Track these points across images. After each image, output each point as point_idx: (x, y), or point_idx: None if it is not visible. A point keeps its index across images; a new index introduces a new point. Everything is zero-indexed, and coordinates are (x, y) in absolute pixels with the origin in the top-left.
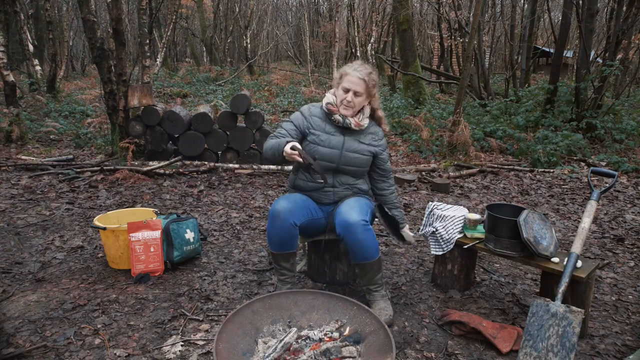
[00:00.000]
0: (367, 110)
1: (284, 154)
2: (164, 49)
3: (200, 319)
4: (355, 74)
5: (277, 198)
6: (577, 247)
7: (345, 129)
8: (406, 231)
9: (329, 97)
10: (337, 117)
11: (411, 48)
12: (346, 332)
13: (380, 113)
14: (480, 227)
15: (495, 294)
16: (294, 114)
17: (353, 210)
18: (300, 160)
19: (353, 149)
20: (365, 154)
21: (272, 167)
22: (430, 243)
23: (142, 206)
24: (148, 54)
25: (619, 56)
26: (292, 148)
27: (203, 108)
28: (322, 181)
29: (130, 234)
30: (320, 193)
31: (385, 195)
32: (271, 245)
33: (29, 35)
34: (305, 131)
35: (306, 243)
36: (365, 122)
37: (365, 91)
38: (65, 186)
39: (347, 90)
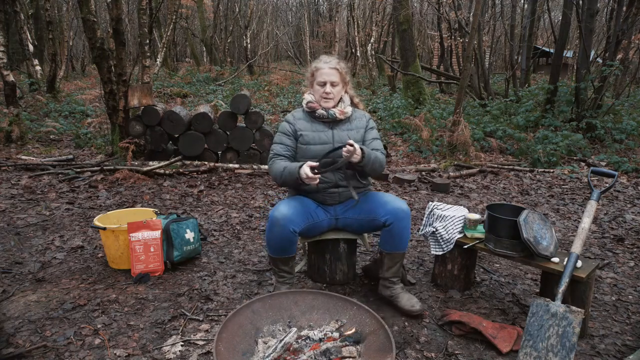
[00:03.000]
0: (347, 98)
1: (303, 180)
2: (164, 49)
3: (200, 319)
4: (326, 66)
5: (276, 200)
6: (577, 247)
7: (332, 123)
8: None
9: (307, 97)
10: (321, 111)
11: (411, 48)
12: (346, 332)
13: (357, 99)
14: (480, 227)
15: (495, 294)
16: (281, 125)
17: (398, 200)
18: (315, 182)
19: (344, 139)
20: (357, 140)
21: None
22: (430, 243)
23: (142, 206)
24: (148, 54)
25: (619, 56)
26: (310, 168)
27: (203, 108)
28: (356, 198)
29: (130, 234)
30: (325, 194)
31: None
32: (270, 250)
33: (29, 35)
34: (296, 136)
35: (306, 243)
36: (349, 109)
37: (340, 79)
38: (65, 186)
39: (323, 84)
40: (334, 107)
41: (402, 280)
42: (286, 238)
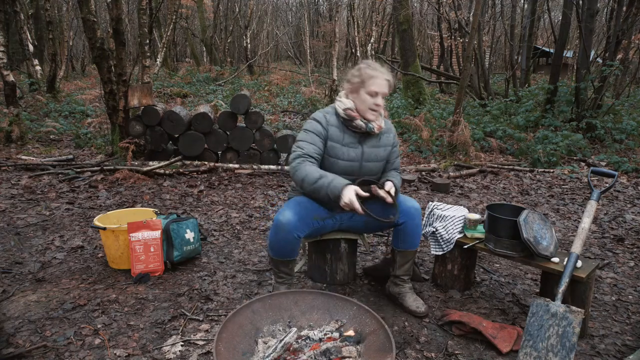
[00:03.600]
0: (382, 110)
1: (342, 203)
2: (164, 49)
3: (200, 319)
4: (382, 76)
5: (276, 200)
6: (577, 247)
7: (362, 136)
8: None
9: (346, 102)
10: (359, 122)
11: (411, 48)
12: (346, 332)
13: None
14: (480, 227)
15: (495, 294)
16: (311, 123)
17: (409, 199)
18: (361, 213)
19: (372, 159)
20: (382, 160)
21: (272, 167)
22: (430, 243)
23: (142, 206)
24: (148, 54)
25: (619, 56)
26: (356, 195)
27: (203, 108)
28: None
29: (130, 234)
30: (335, 205)
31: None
32: (272, 252)
33: (29, 35)
34: (322, 146)
35: (306, 243)
36: (384, 123)
37: (388, 92)
38: (65, 186)
39: (375, 94)
40: (375, 120)
41: (415, 276)
42: (290, 243)
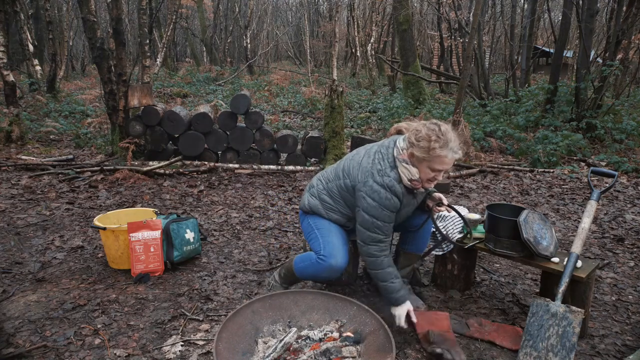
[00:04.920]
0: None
1: (394, 314)
2: (164, 49)
3: (200, 319)
4: (452, 156)
5: (276, 200)
6: (577, 247)
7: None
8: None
9: (413, 172)
10: (421, 190)
11: (411, 48)
12: (346, 332)
13: None
14: (480, 227)
15: (495, 294)
16: (392, 201)
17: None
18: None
19: (418, 201)
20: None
21: (272, 167)
22: (430, 243)
23: (142, 206)
24: (148, 54)
25: (619, 56)
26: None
27: (203, 108)
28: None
29: (130, 234)
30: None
31: None
32: (300, 276)
33: (29, 35)
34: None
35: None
36: None
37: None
38: (65, 186)
39: (438, 170)
40: None
41: (416, 281)
42: (327, 280)
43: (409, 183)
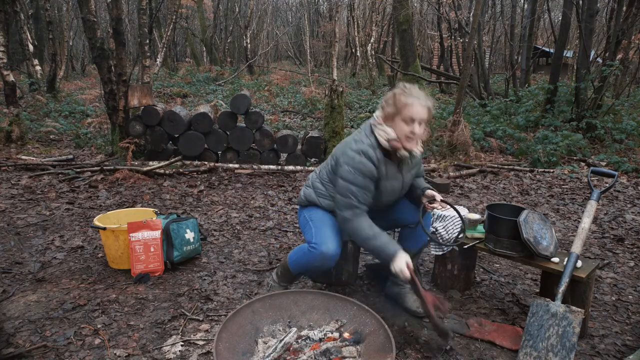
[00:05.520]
0: (421, 138)
1: (395, 270)
2: (164, 49)
3: (200, 319)
4: (418, 102)
5: (277, 200)
6: (577, 247)
7: (399, 162)
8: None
9: (388, 132)
10: (404, 153)
11: (411, 48)
12: (346, 333)
13: None
14: (480, 227)
15: (495, 294)
16: (364, 164)
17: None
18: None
19: (407, 183)
20: (414, 176)
21: (272, 167)
22: (430, 243)
23: (142, 206)
24: (148, 54)
25: (619, 56)
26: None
27: (203, 108)
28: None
29: (130, 234)
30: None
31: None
32: (294, 270)
33: (29, 35)
34: (373, 187)
35: None
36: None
37: (428, 119)
38: (65, 186)
39: (412, 121)
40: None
41: None
42: (322, 270)
43: (387, 144)
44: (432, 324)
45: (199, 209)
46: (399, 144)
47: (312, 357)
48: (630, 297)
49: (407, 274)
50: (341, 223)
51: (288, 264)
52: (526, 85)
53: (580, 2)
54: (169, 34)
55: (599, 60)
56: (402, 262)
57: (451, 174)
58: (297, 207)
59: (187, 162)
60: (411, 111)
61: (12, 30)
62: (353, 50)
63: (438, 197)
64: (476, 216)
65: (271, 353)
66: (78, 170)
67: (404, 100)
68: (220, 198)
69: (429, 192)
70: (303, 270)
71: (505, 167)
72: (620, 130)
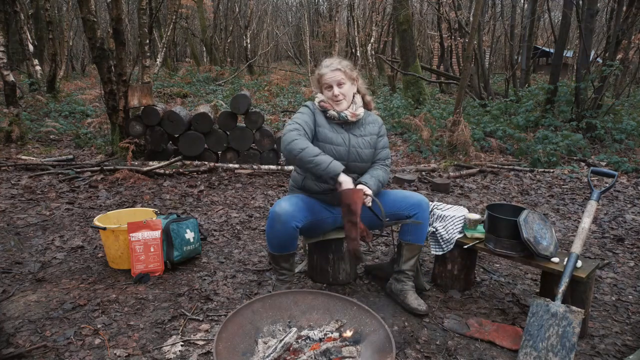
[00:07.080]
0: (359, 100)
1: (344, 185)
2: (164, 49)
3: (200, 319)
4: (328, 70)
5: (277, 199)
6: (577, 247)
7: (345, 125)
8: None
9: (319, 96)
10: (332, 112)
11: (411, 48)
12: (346, 333)
13: (369, 97)
14: (480, 227)
15: (495, 294)
16: (302, 108)
17: (417, 194)
18: (365, 204)
19: (358, 145)
20: (368, 147)
21: (272, 167)
22: (430, 243)
23: (142, 206)
24: (148, 54)
25: (619, 56)
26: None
27: (203, 108)
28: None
29: (130, 234)
30: (333, 196)
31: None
32: (271, 247)
33: (29, 35)
34: (312, 127)
35: (307, 244)
36: (360, 111)
37: (347, 77)
38: (65, 186)
39: (329, 87)
40: (346, 109)
41: (418, 284)
42: (288, 234)
43: (318, 105)
44: (351, 247)
45: (199, 209)
46: (327, 104)
47: (312, 357)
48: (630, 297)
49: (351, 185)
50: (287, 143)
51: (268, 251)
52: (526, 85)
53: (580, 2)
54: (169, 34)
55: (599, 60)
56: (346, 177)
57: (451, 174)
58: None
59: (187, 162)
60: (324, 79)
61: (12, 30)
62: (353, 50)
63: (367, 190)
64: (476, 216)
65: (271, 353)
66: (78, 170)
67: (317, 72)
68: (220, 198)
69: (359, 186)
70: (275, 242)
71: (505, 167)
72: (620, 130)
